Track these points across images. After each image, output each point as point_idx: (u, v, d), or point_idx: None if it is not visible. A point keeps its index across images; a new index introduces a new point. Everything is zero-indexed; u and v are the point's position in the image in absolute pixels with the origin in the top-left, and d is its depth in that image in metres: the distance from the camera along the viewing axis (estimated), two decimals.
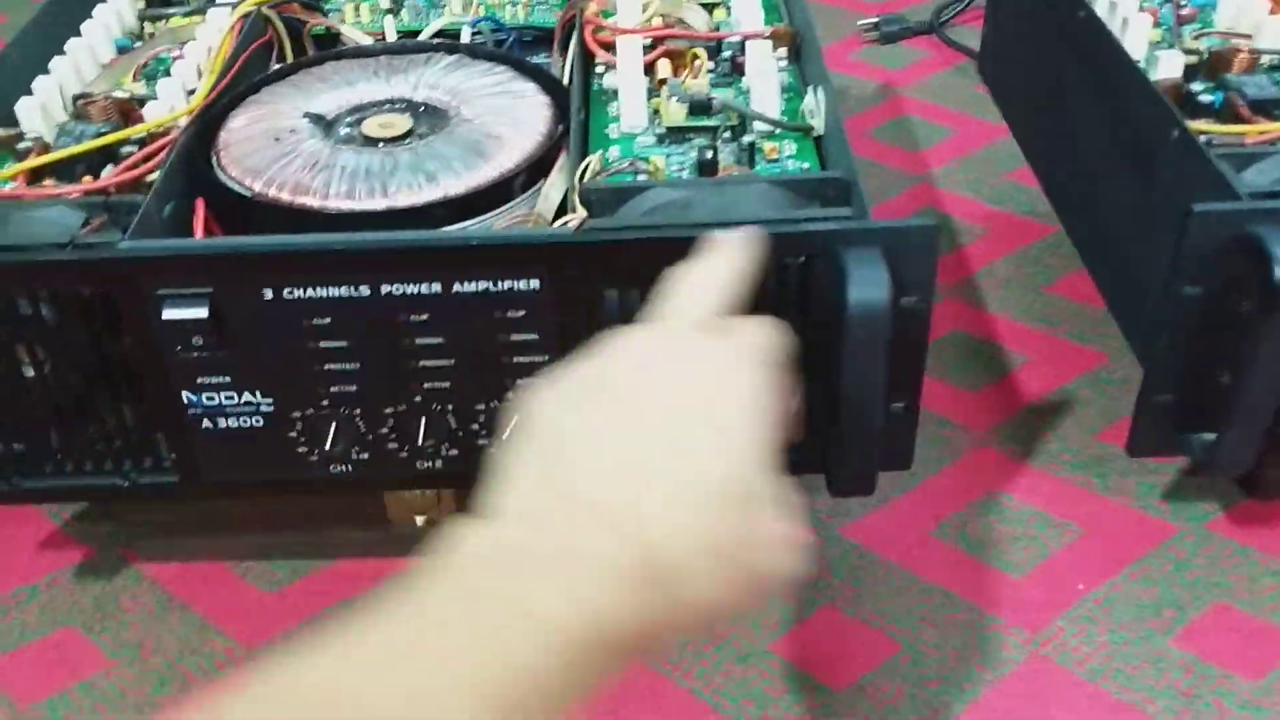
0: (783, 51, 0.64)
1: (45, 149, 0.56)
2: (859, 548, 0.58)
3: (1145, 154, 0.56)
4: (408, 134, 0.56)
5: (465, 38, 0.67)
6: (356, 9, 0.72)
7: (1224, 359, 0.49)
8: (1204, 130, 0.55)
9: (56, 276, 0.47)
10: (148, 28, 0.70)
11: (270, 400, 0.49)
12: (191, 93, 0.60)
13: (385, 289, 0.46)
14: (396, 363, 0.48)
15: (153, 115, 0.58)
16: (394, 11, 0.72)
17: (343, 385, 0.49)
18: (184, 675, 0.54)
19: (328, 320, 0.47)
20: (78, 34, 0.65)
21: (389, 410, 0.49)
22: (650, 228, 0.47)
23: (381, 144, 0.55)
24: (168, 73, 0.61)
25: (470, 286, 0.46)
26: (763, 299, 0.47)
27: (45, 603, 0.57)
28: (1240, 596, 0.55)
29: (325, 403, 0.49)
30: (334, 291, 0.46)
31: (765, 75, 0.59)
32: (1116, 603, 0.55)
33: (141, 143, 0.56)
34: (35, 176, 0.55)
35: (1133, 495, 0.60)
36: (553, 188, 0.54)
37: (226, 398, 0.49)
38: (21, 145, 0.57)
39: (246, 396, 0.49)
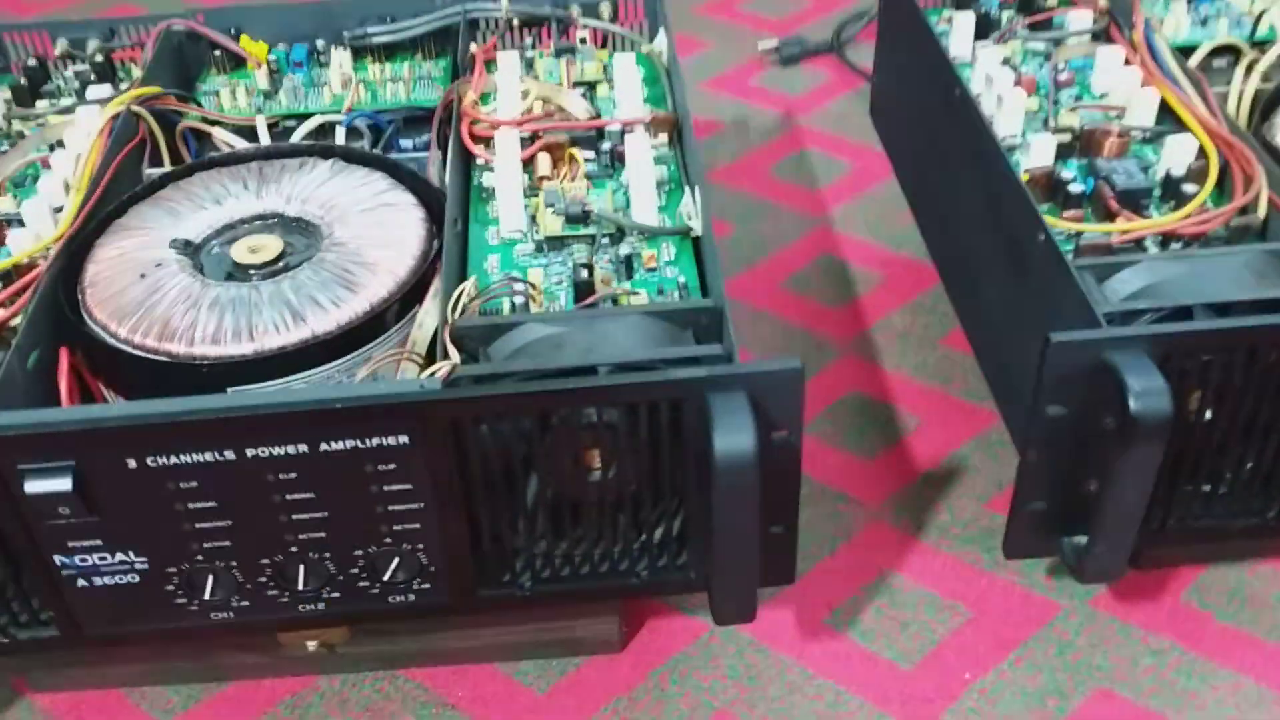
0: (664, 138, 0.64)
1: None
2: (753, 642, 0.59)
3: (1016, 247, 0.56)
4: (279, 257, 0.55)
5: (340, 138, 0.66)
6: (233, 93, 0.71)
7: (1091, 469, 0.50)
8: (1072, 227, 0.56)
9: None
10: (17, 125, 0.69)
11: (144, 559, 0.48)
12: (59, 210, 0.59)
13: (250, 452, 0.46)
14: (268, 517, 0.48)
15: (18, 246, 0.56)
16: (271, 94, 0.71)
17: (215, 541, 0.48)
18: None
19: (194, 484, 0.46)
20: None
21: (265, 561, 0.49)
22: (517, 377, 0.47)
23: (251, 272, 0.55)
24: (34, 187, 0.60)
25: (337, 445, 0.46)
26: (635, 438, 0.48)
27: None
28: (1121, 680, 0.56)
29: (200, 558, 0.49)
30: (198, 457, 0.46)
31: (642, 172, 0.59)
32: (1002, 692, 0.56)
33: (5, 278, 0.55)
34: None
35: (1019, 570, 0.61)
36: (427, 315, 0.53)
37: (99, 558, 0.48)
38: None
39: (120, 556, 0.48)
